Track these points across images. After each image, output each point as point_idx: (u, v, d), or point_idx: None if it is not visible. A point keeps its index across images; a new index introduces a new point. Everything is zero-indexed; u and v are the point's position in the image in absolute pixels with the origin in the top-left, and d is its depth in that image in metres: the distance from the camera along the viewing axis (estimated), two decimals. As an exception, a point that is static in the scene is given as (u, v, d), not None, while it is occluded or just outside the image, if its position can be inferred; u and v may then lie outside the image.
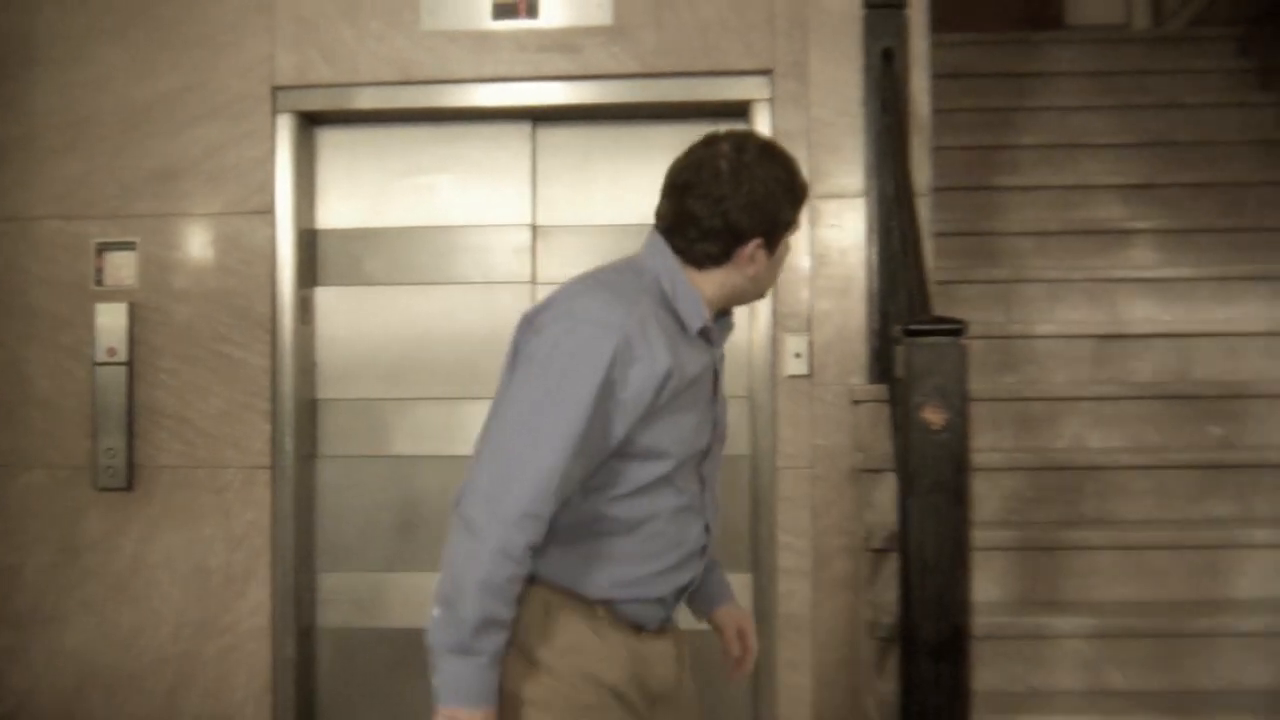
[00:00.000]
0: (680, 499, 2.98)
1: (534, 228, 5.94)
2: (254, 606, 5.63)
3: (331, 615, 5.91)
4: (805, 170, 5.29)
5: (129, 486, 5.70)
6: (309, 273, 5.89)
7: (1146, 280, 5.91)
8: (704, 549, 3.10)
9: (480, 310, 5.90)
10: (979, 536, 4.63)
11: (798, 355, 5.38)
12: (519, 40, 5.74)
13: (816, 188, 5.36)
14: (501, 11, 5.78)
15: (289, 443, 5.70)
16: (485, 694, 2.77)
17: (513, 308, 5.65)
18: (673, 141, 4.90)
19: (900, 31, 5.42)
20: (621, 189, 5.89)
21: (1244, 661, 4.38)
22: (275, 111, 5.75)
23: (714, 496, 3.14)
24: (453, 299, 5.93)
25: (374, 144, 5.93)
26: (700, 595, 3.39)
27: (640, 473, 2.90)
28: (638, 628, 3.01)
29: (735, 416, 5.79)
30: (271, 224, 5.71)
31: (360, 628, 5.88)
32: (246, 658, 5.63)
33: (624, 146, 5.91)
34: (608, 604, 2.96)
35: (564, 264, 5.88)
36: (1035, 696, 4.37)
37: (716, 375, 3.08)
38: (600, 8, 5.73)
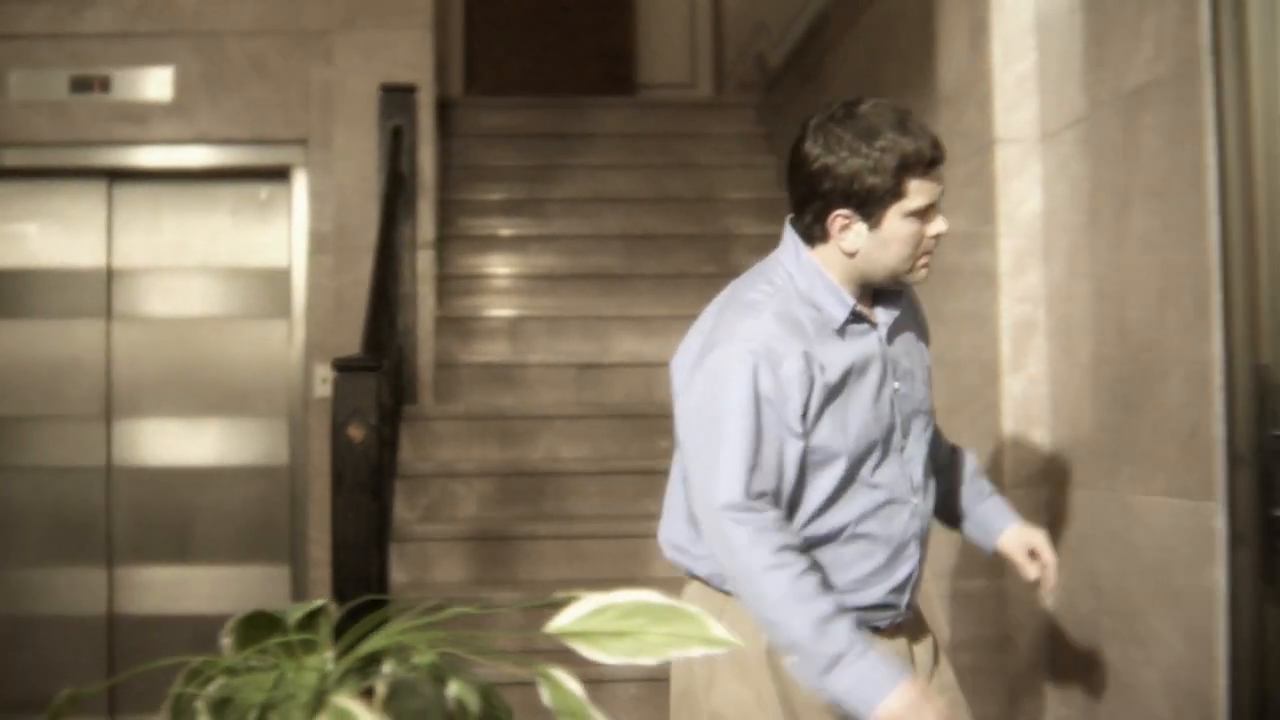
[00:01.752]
0: (877, 494, 2.87)
1: (110, 270, 6.87)
2: None
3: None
4: (333, 225, 6.40)
5: None
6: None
7: (631, 318, 7.06)
8: (919, 534, 2.96)
9: (61, 340, 6.83)
10: (451, 529, 5.77)
11: (324, 380, 6.39)
12: (94, 110, 6.67)
13: (342, 240, 6.41)
14: (78, 86, 6.70)
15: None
16: (883, 680, 2.64)
17: (90, 339, 6.64)
18: (229, 196, 6.17)
19: (410, 111, 6.50)
20: (186, 236, 6.88)
21: (644, 626, 5.53)
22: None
23: (923, 476, 2.99)
24: (37, 331, 6.84)
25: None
26: (979, 529, 3.22)
27: (823, 480, 2.82)
28: (873, 629, 2.88)
29: (277, 435, 6.85)
30: None
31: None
32: None
33: (187, 201, 6.89)
34: None
35: (136, 300, 6.84)
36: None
37: (885, 360, 2.91)
38: (164, 85, 6.69)
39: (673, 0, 10.75)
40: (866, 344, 2.86)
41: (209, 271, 6.91)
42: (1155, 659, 3.71)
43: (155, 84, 6.68)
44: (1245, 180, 3.30)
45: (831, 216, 2.78)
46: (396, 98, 6.49)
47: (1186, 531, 3.52)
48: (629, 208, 7.97)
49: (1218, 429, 3.38)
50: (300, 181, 6.66)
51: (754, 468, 2.70)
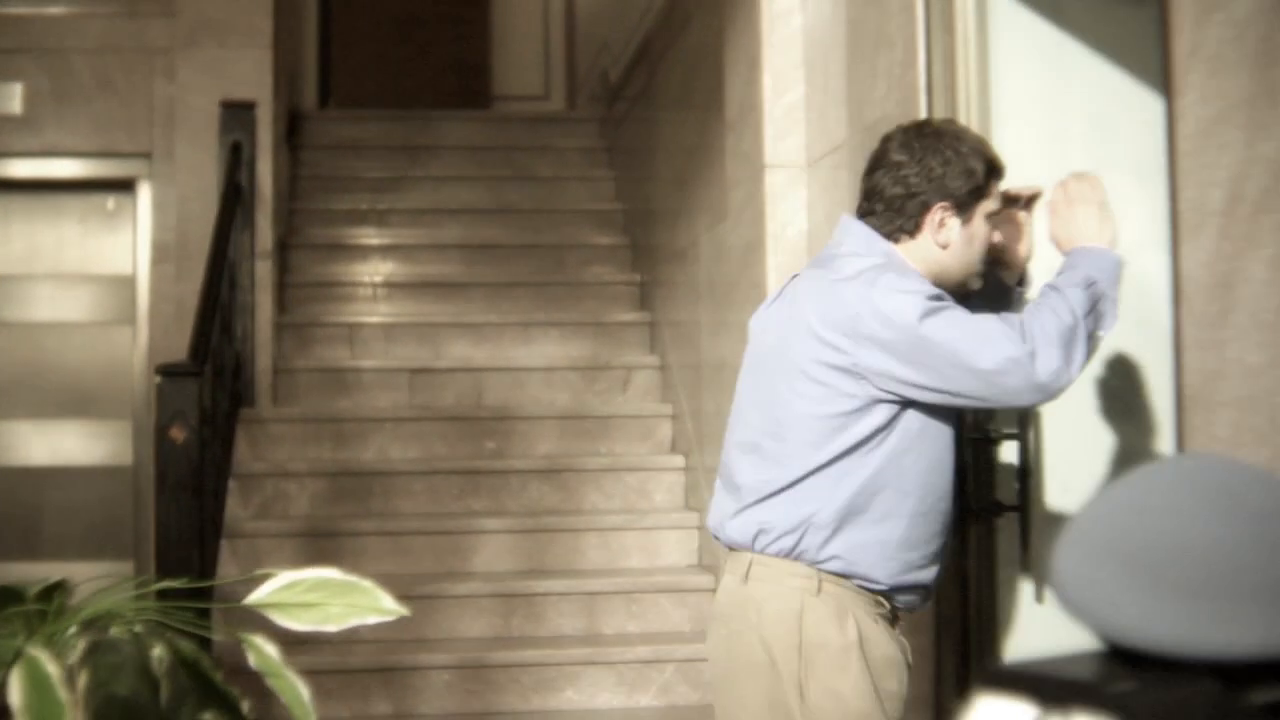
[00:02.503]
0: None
1: (-51, 278, 7.15)
2: None
3: None
4: (175, 235, 6.69)
5: None
6: None
7: (465, 324, 7.41)
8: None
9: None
10: (282, 526, 6.09)
11: (165, 385, 6.68)
12: (-61, 122, 6.94)
13: (184, 250, 6.71)
14: (-78, 99, 6.97)
15: None
16: (1101, 257, 2.87)
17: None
18: (77, 207, 6.47)
19: (249, 127, 6.80)
20: (36, 245, 7.15)
21: (461, 616, 5.88)
22: None
23: None
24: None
25: None
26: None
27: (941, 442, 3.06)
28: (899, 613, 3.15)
29: (122, 436, 7.13)
30: None
31: None
32: None
33: (37, 211, 7.16)
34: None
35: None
36: (303, 644, 5.77)
37: None
38: (12, 100, 6.95)
39: (527, 14, 11.08)
40: None
41: (57, 279, 7.19)
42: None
43: (4, 99, 6.95)
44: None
45: (931, 211, 3.02)
46: (236, 114, 6.80)
47: None
48: (470, 218, 8.30)
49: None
50: (145, 193, 6.97)
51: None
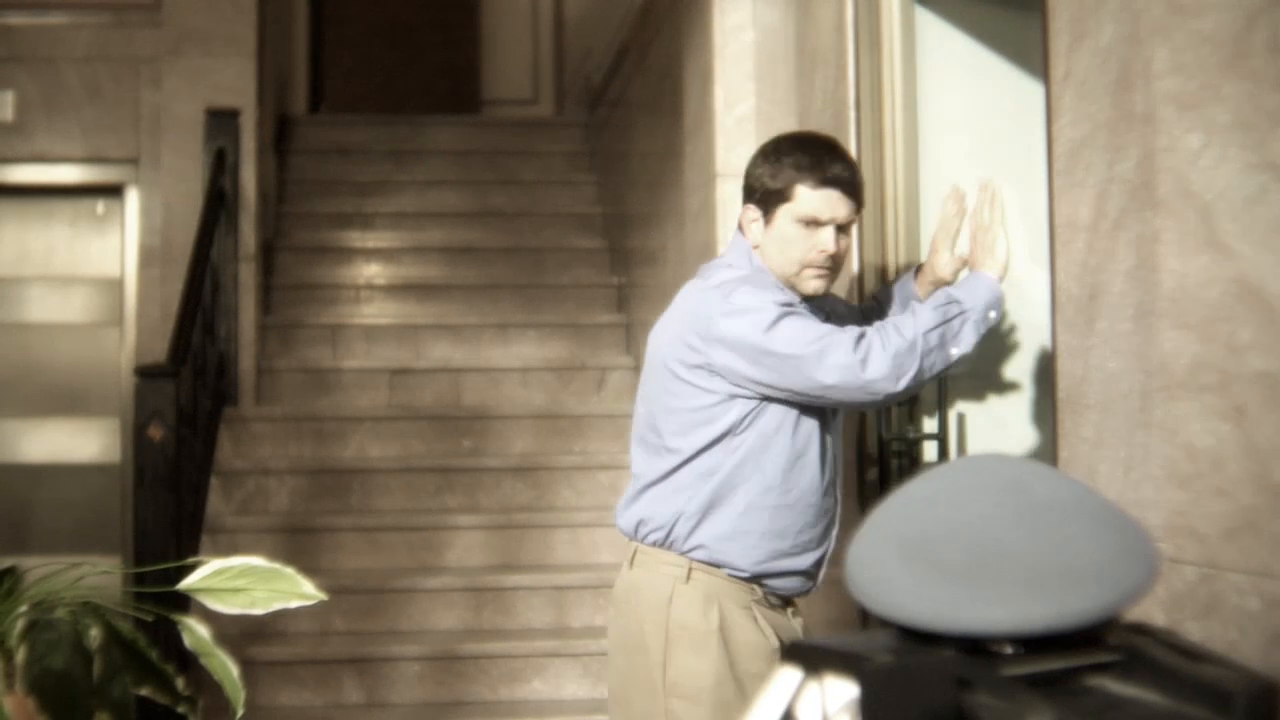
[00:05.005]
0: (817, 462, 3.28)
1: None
2: None
3: None
4: (161, 239, 6.89)
5: None
6: None
7: (445, 326, 7.60)
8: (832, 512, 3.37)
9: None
10: (262, 522, 6.27)
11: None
12: (-67, 128, 7.14)
13: (169, 254, 6.90)
14: (-82, 105, 7.17)
15: None
16: (981, 284, 3.14)
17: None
18: (67, 211, 6.65)
19: (233, 133, 6.99)
20: (27, 247, 7.35)
21: (433, 609, 6.06)
22: None
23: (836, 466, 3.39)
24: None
25: None
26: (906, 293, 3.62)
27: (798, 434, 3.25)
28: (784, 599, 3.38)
29: (110, 435, 7.33)
30: None
31: None
32: None
33: (28, 215, 7.37)
34: None
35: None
36: (278, 636, 5.95)
37: None
38: (3, 107, 7.15)
39: (517, 19, 11.24)
40: None
41: (47, 281, 7.39)
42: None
43: (-5, 106, 7.16)
44: (879, 219, 3.89)
45: (744, 210, 3.33)
46: (220, 121, 7.00)
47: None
48: (453, 221, 8.49)
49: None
50: (133, 198, 7.16)
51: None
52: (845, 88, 4.01)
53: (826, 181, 3.19)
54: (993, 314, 3.09)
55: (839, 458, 3.34)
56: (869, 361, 2.98)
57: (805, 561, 3.26)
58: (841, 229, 3.22)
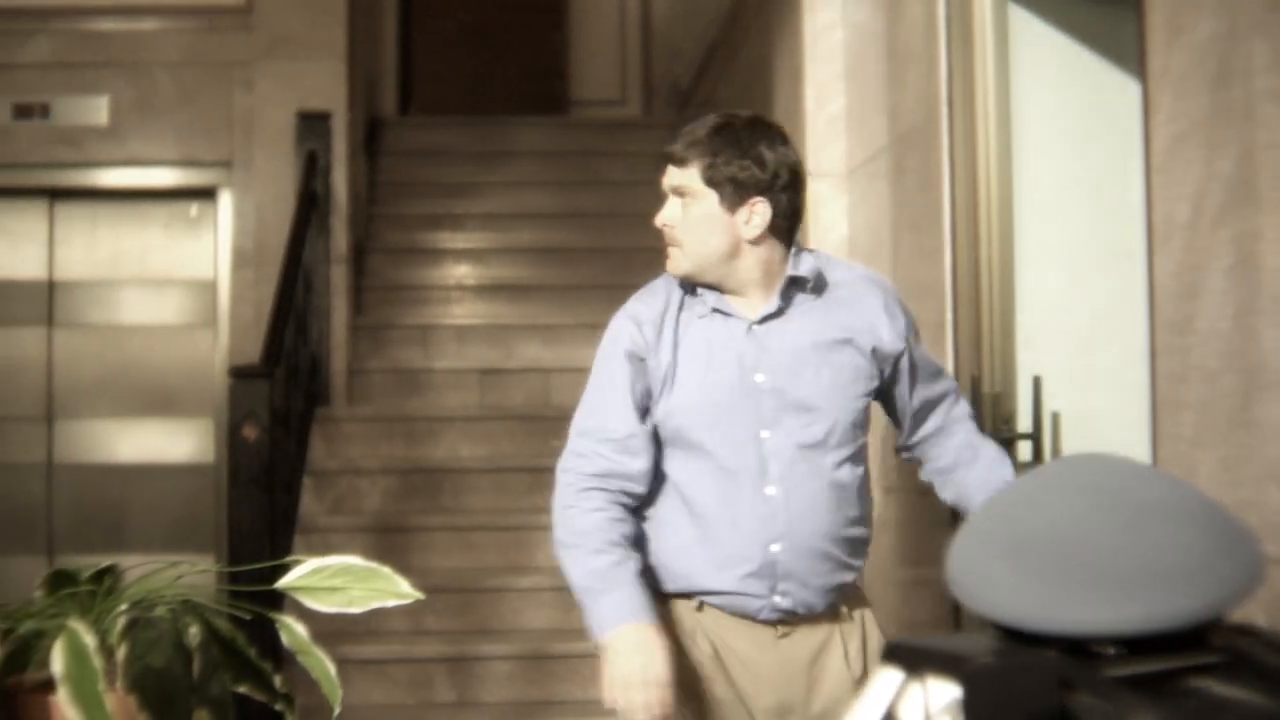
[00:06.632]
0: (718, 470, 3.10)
1: (51, 282, 7.44)
2: None
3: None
4: (253, 241, 6.95)
5: None
6: None
7: (535, 326, 7.63)
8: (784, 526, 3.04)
9: (5, 346, 7.40)
10: (354, 521, 6.32)
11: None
12: (35, 135, 7.23)
13: (262, 256, 6.97)
14: (20, 112, 7.26)
15: None
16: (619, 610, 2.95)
17: (32, 345, 7.24)
18: (160, 214, 6.73)
19: (324, 136, 7.06)
20: (122, 250, 7.45)
21: (524, 609, 6.09)
22: None
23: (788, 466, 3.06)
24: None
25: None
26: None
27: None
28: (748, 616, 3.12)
29: (203, 435, 7.39)
30: None
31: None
32: None
33: (122, 218, 7.46)
34: None
35: (75, 309, 7.43)
36: (371, 635, 5.99)
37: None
38: (99, 112, 7.25)
39: (604, 20, 11.25)
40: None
41: (142, 283, 7.48)
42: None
43: (91, 110, 7.24)
44: (971, 218, 3.87)
45: None
46: (311, 124, 7.06)
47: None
48: (542, 222, 8.52)
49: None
50: (225, 200, 7.23)
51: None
52: (937, 85, 3.99)
53: (665, 157, 3.09)
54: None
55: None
56: (568, 456, 3.16)
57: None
58: (686, 201, 3.03)
